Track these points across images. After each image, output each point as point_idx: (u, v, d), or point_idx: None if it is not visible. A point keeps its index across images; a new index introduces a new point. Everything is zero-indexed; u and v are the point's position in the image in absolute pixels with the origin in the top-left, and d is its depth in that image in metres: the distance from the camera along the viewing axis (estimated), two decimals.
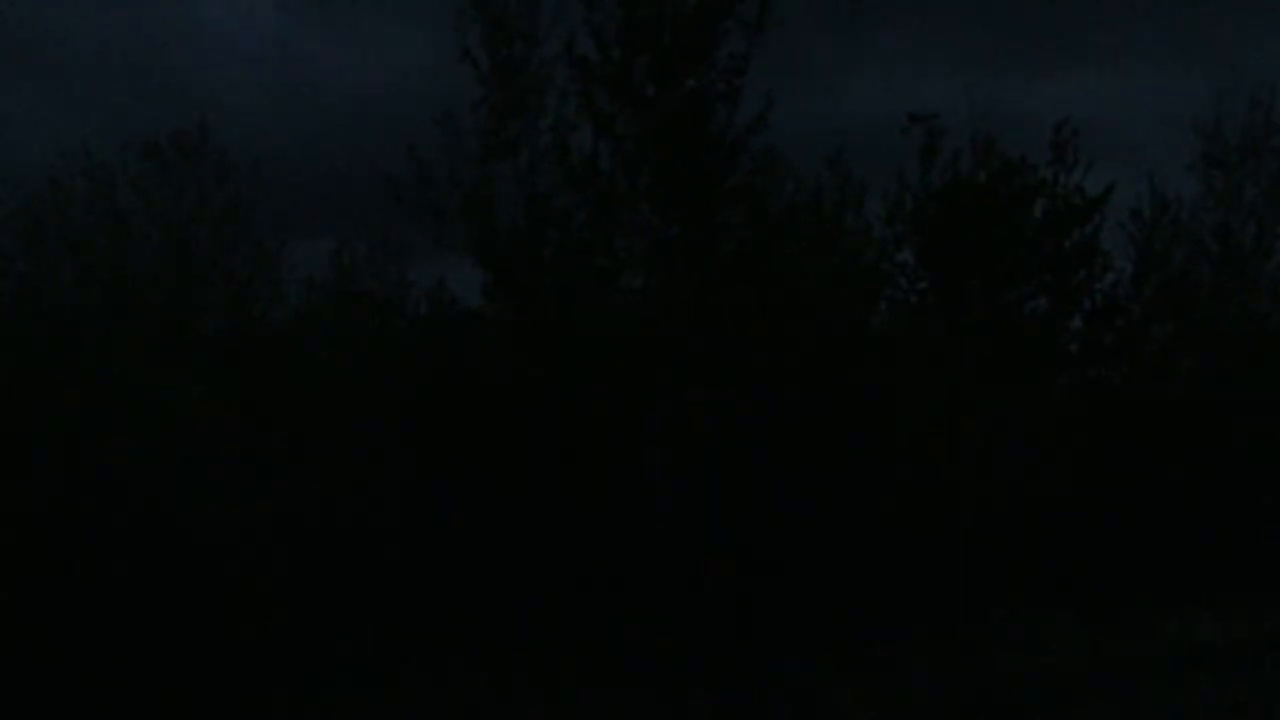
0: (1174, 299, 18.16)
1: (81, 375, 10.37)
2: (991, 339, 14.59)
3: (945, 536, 13.05)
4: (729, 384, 11.96)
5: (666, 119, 11.82)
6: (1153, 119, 35.71)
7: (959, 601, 12.74)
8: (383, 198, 13.45)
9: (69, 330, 12.24)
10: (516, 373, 11.78)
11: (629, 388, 11.72)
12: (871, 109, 30.34)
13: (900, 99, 35.81)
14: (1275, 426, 17.67)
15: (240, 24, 34.55)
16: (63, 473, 9.28)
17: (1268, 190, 19.46)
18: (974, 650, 12.13)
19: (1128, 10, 44.78)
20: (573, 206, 12.26)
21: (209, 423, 10.21)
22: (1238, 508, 16.70)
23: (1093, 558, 14.74)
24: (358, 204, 15.85)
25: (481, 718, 9.33)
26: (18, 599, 8.54)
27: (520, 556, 10.75)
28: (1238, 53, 37.57)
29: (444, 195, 12.96)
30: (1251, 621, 14.95)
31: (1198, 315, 18.39)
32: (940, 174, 15.51)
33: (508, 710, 9.38)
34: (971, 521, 13.29)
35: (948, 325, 14.72)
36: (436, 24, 13.05)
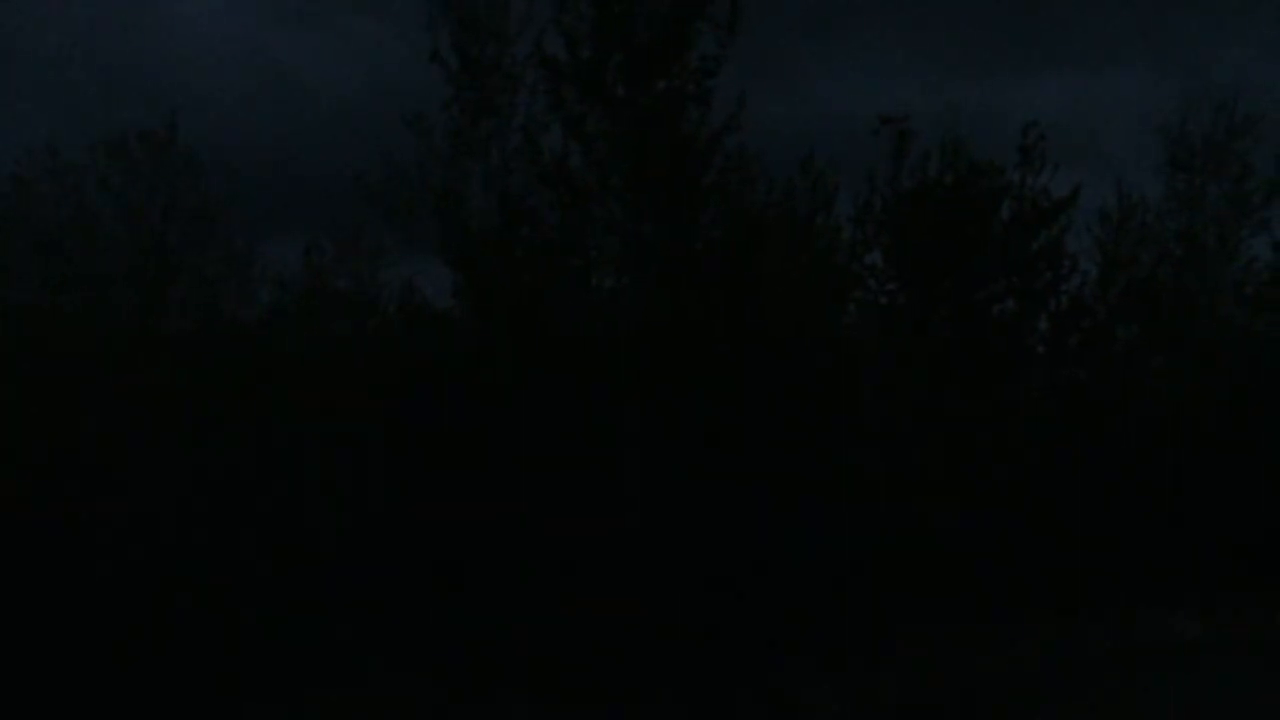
0: (1139, 301, 18.36)
1: (51, 376, 10.30)
2: (960, 340, 14.71)
3: (917, 536, 13.15)
4: (701, 383, 12.01)
5: (638, 120, 11.86)
6: (1123, 122, 36.16)
7: (934, 601, 12.83)
8: (353, 197, 13.45)
9: (37, 330, 12.15)
10: (485, 373, 11.78)
11: (600, 388, 11.74)
12: (843, 110, 30.56)
13: (872, 100, 36.08)
14: (1242, 426, 17.89)
15: (210, 22, 34.32)
16: (33, 472, 9.22)
17: (1230, 193, 19.71)
18: (949, 649, 12.21)
19: (1099, 15, 45.32)
20: (544, 206, 12.27)
21: (178, 421, 10.17)
22: (1208, 505, 16.88)
23: (1066, 555, 14.87)
24: (328, 203, 15.81)
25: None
26: None
27: (490, 557, 10.75)
28: (1205, 58, 38.12)
29: (415, 195, 12.96)
30: (1225, 618, 15.08)
31: (1163, 317, 18.60)
32: (910, 176, 15.61)
33: (479, 714, 9.37)
34: (943, 521, 13.39)
35: (917, 326, 14.83)
36: (408, 24, 13.02)
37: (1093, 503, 15.71)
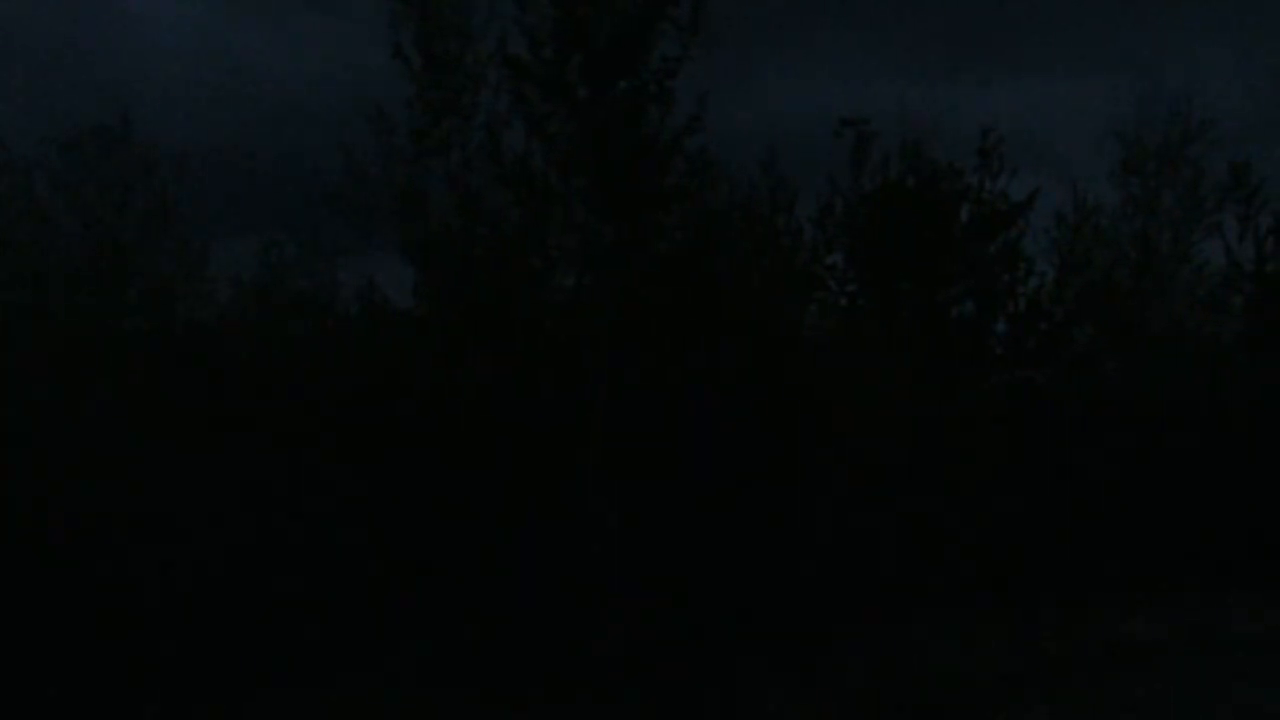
0: (1095, 303, 18.58)
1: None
2: (920, 341, 14.82)
3: (875, 535, 13.22)
4: (661, 385, 12.01)
5: (600, 119, 11.84)
6: (1079, 127, 36.62)
7: (891, 600, 12.89)
8: (312, 195, 13.30)
9: None
10: (446, 373, 11.71)
11: (560, 388, 11.71)
12: (806, 112, 30.72)
13: (834, 103, 36.32)
14: (1195, 424, 18.11)
15: (165, 15, 33.89)
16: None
17: (1183, 198, 20.02)
18: (905, 648, 12.28)
19: (1057, 22, 46.00)
20: (506, 206, 12.22)
21: (132, 426, 10.02)
22: (1164, 506, 17.06)
23: (1020, 556, 15.00)
24: (287, 202, 15.59)
25: None
26: None
27: (451, 562, 10.69)
28: (1160, 64, 38.69)
29: (375, 193, 12.85)
30: (1182, 619, 15.23)
31: (1118, 319, 18.84)
32: (870, 178, 15.75)
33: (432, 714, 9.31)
34: (901, 520, 13.47)
35: (877, 327, 14.93)
36: (370, 20, 12.91)
37: (1050, 503, 15.86)
